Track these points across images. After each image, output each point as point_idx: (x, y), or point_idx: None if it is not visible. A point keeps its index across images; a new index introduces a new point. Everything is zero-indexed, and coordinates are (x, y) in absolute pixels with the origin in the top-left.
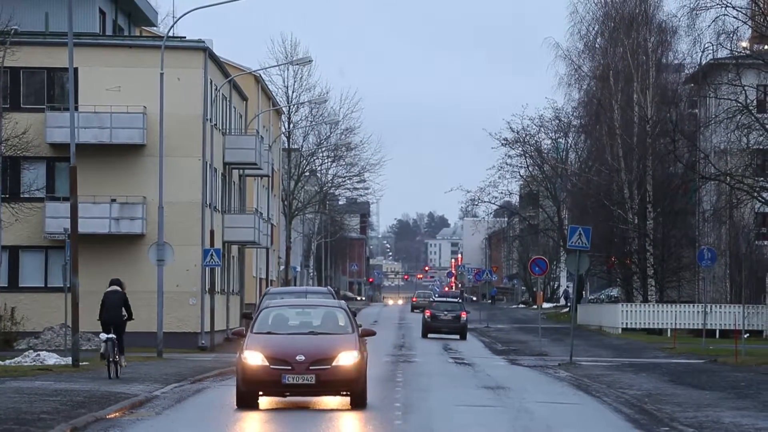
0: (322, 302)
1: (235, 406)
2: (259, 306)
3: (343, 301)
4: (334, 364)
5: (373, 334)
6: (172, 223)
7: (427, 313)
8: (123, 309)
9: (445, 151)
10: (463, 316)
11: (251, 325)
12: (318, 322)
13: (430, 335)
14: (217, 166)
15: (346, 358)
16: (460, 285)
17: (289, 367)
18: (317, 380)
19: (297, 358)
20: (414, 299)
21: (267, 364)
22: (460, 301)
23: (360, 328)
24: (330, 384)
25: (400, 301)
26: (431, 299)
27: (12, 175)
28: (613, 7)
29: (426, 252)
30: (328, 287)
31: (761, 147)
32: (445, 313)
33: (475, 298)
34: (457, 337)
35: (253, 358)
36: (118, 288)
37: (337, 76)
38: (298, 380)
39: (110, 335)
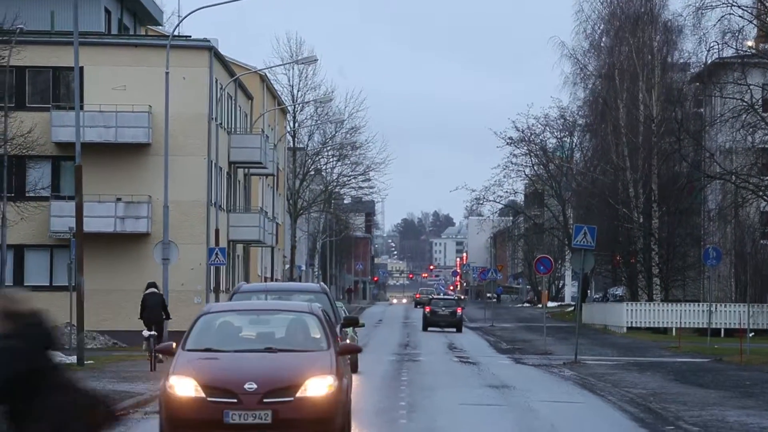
0: (288, 306)
1: None
2: None
3: (317, 305)
4: (299, 394)
5: (358, 350)
6: (177, 222)
7: (427, 309)
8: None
9: (450, 150)
10: (459, 311)
11: (184, 338)
12: (281, 333)
13: (429, 328)
14: (222, 165)
15: (317, 386)
16: (452, 287)
17: (235, 400)
18: (275, 418)
19: (246, 386)
20: (417, 296)
21: (203, 395)
22: (456, 298)
23: (341, 343)
24: (293, 424)
25: (404, 300)
26: (430, 297)
27: (17, 174)
28: (619, 6)
29: (431, 251)
30: (320, 284)
31: (767, 146)
32: (443, 309)
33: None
34: (454, 330)
35: (183, 387)
36: (156, 290)
37: (342, 75)
38: (247, 419)
39: (152, 332)
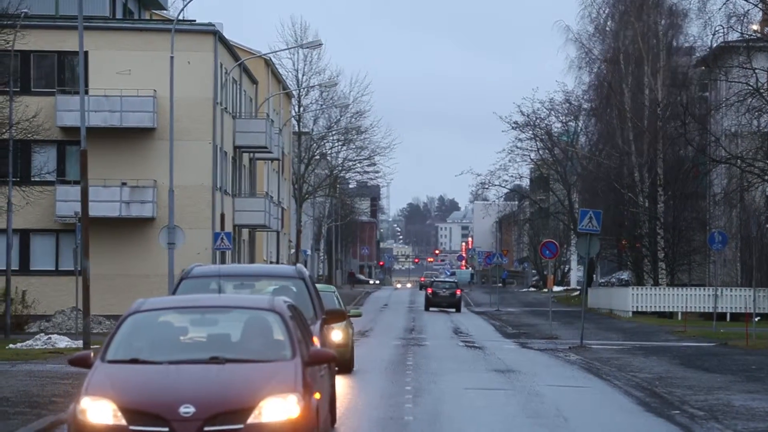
0: (243, 302)
1: None
2: None
3: (282, 299)
4: (251, 420)
5: (331, 360)
6: (183, 207)
7: (429, 291)
8: None
9: (453, 135)
10: (458, 293)
11: (104, 344)
12: (232, 338)
13: (431, 308)
14: (227, 149)
15: (275, 409)
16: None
17: (166, 429)
18: None
19: (181, 410)
20: (422, 279)
21: (123, 423)
22: (456, 281)
23: (312, 349)
24: None
25: (409, 285)
26: (432, 279)
27: (23, 158)
28: None
29: (436, 235)
30: (297, 266)
31: None
32: (444, 290)
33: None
34: (453, 309)
35: (98, 412)
36: None
37: (347, 59)
38: None
39: None
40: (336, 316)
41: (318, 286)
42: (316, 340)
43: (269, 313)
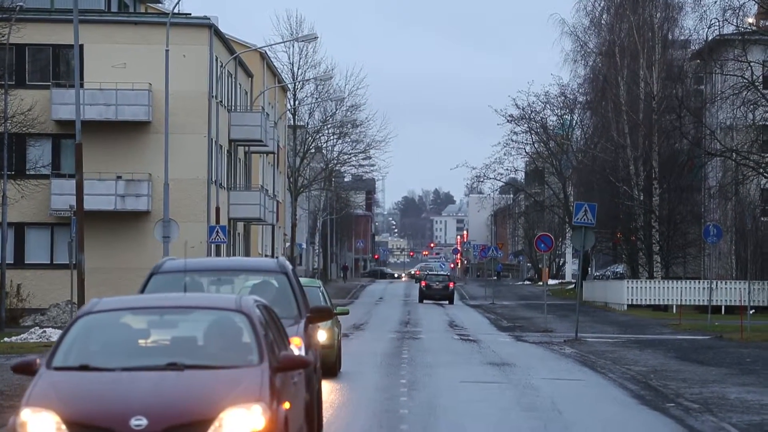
0: (207, 302)
1: None
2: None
3: (252, 298)
4: None
5: (304, 365)
6: (178, 200)
7: (423, 284)
8: None
9: (448, 128)
10: (451, 285)
11: (51, 349)
12: (194, 342)
13: (425, 300)
14: (222, 143)
15: (237, 422)
16: (453, 265)
17: None
18: None
19: (133, 423)
20: (417, 272)
21: None
22: (448, 274)
23: (282, 354)
24: None
25: (404, 278)
26: (426, 273)
27: (17, 151)
28: None
29: (432, 229)
30: (279, 259)
31: (767, 123)
32: (437, 283)
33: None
34: (446, 302)
35: (40, 425)
36: None
37: (341, 53)
38: None
39: None
40: (322, 314)
41: (302, 280)
42: (298, 341)
43: (235, 314)
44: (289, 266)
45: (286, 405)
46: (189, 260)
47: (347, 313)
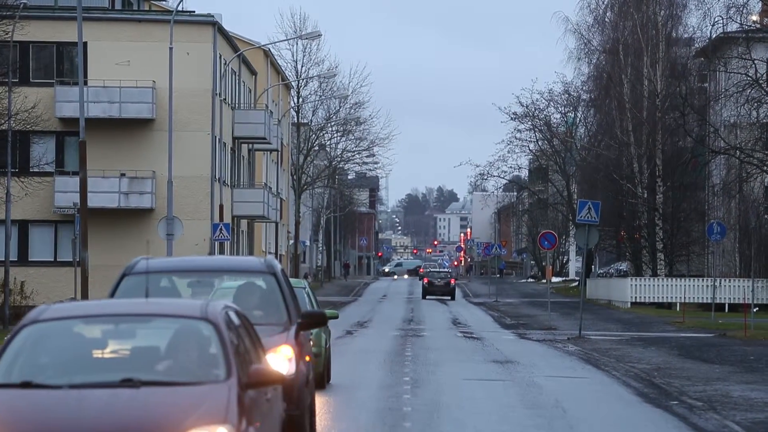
0: (170, 309)
1: None
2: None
3: (220, 304)
4: None
5: (278, 382)
6: (182, 198)
7: (425, 281)
8: None
9: (449, 126)
10: (452, 282)
11: None
12: (155, 354)
13: (427, 297)
14: (226, 140)
15: None
16: (456, 263)
17: None
18: None
19: None
20: (421, 270)
21: None
22: (450, 271)
23: (253, 368)
24: None
25: (406, 276)
26: (429, 270)
27: (21, 149)
28: None
29: (435, 226)
30: (267, 259)
31: None
32: (439, 280)
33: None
34: (448, 297)
35: None
36: None
37: (344, 51)
38: None
39: None
40: (315, 319)
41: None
42: (288, 350)
43: (200, 322)
44: (278, 266)
45: (257, 425)
46: (166, 259)
47: (336, 317)
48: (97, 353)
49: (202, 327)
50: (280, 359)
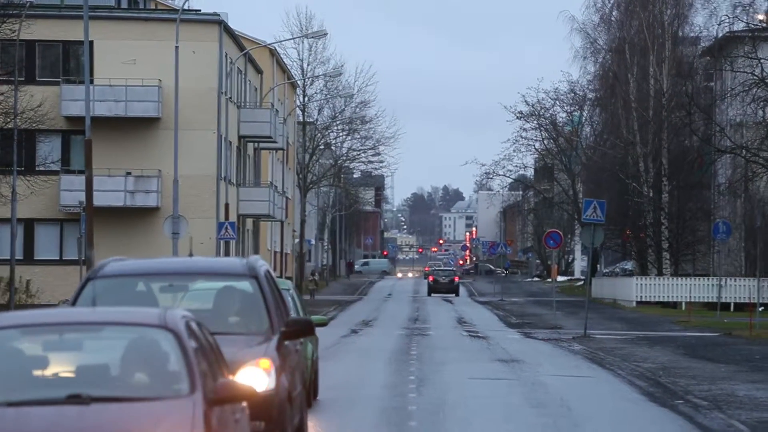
0: (124, 317)
1: None
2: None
3: (179, 312)
4: None
5: (249, 398)
6: (187, 197)
7: (431, 279)
8: None
9: (453, 126)
10: (456, 279)
11: None
12: (106, 367)
13: (432, 294)
14: (231, 139)
15: None
16: (462, 262)
17: None
18: None
19: None
20: (426, 268)
21: None
22: (454, 269)
23: (220, 381)
24: None
25: (410, 274)
26: (434, 269)
27: (27, 148)
28: None
29: (440, 225)
30: (249, 260)
31: None
32: (444, 278)
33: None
34: (453, 294)
35: None
36: None
37: (349, 51)
38: None
39: None
40: (301, 328)
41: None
42: (266, 363)
43: (159, 331)
44: (262, 268)
45: None
46: (137, 261)
47: (325, 324)
48: (38, 368)
49: (160, 336)
50: (257, 372)
